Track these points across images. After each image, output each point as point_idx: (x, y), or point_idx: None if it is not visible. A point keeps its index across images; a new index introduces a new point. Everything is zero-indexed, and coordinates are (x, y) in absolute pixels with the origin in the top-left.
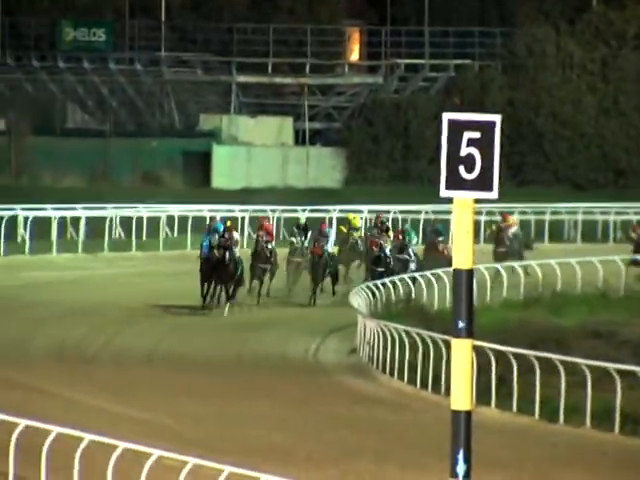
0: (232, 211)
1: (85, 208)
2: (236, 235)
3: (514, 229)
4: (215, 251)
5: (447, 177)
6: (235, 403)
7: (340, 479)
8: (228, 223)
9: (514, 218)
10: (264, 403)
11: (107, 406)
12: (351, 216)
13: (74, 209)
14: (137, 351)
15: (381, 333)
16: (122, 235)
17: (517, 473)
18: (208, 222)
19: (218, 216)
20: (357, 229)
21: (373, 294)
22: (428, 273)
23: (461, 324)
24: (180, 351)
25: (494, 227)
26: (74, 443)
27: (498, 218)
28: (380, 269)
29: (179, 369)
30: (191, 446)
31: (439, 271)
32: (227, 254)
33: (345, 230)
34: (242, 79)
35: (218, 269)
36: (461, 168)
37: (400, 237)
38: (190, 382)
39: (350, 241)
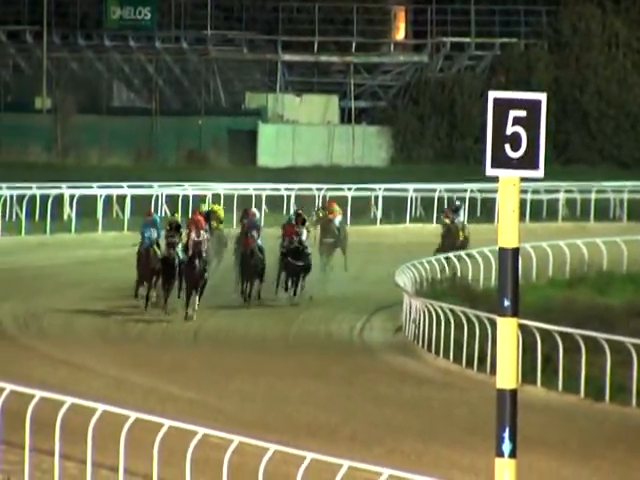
0: (277, 190)
1: (131, 186)
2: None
3: (339, 219)
4: (176, 250)
5: (492, 156)
6: (281, 382)
7: (385, 458)
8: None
9: (338, 208)
10: (310, 382)
11: (153, 384)
12: (216, 207)
13: (120, 187)
14: (182, 330)
15: (426, 312)
16: (168, 213)
17: (562, 452)
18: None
19: (264, 194)
20: (221, 221)
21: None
22: (474, 251)
23: (506, 302)
24: (226, 331)
25: (320, 214)
26: (119, 421)
27: (544, 197)
28: (300, 263)
29: (225, 349)
30: (236, 424)
31: (485, 249)
32: (196, 260)
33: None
34: (288, 57)
35: (186, 272)
36: (507, 147)
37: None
38: (236, 361)
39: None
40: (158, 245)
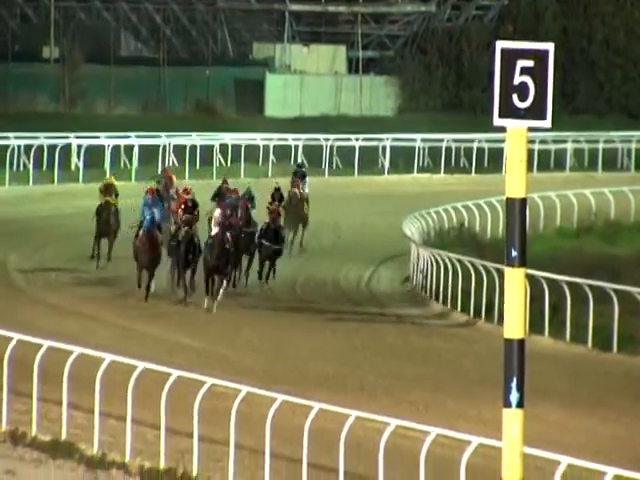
0: (285, 140)
1: (138, 136)
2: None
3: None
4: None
5: (500, 106)
6: (289, 334)
7: (393, 408)
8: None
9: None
10: (318, 334)
11: (162, 335)
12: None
13: (127, 137)
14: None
15: (434, 262)
16: (175, 163)
17: (570, 402)
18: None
19: (271, 145)
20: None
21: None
22: (482, 201)
23: (514, 253)
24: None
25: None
26: (127, 371)
27: (551, 147)
28: (277, 247)
29: (232, 303)
30: (246, 375)
31: (493, 200)
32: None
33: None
34: (295, 7)
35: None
36: (514, 97)
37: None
38: (244, 314)
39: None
40: (160, 228)
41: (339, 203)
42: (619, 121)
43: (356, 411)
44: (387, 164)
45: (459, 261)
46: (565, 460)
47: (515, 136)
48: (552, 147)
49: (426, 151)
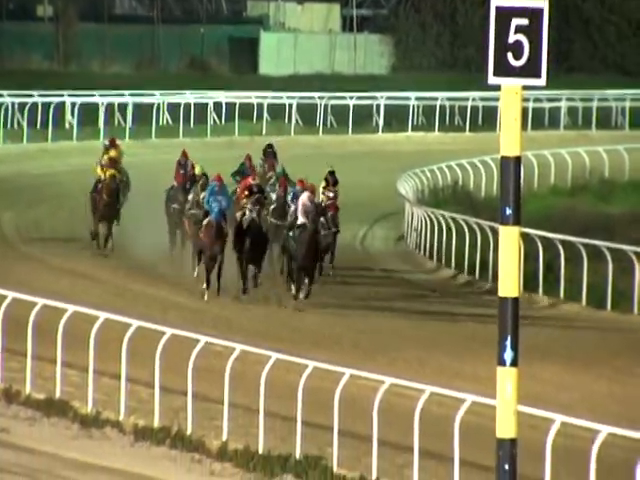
0: (279, 98)
1: (132, 95)
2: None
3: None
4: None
5: (495, 64)
6: (283, 292)
7: (388, 367)
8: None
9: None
10: (312, 293)
11: (157, 293)
12: None
13: (121, 95)
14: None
15: (428, 220)
16: (169, 122)
17: (564, 359)
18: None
19: (265, 103)
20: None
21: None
22: (476, 160)
23: (508, 211)
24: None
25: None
26: (122, 330)
27: (546, 105)
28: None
29: (228, 259)
30: (241, 334)
31: (487, 158)
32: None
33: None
34: None
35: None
36: (509, 55)
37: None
38: (237, 272)
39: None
40: (225, 218)
41: (333, 162)
42: (613, 79)
43: (350, 369)
44: (381, 123)
45: (453, 219)
46: (559, 418)
47: (509, 94)
48: (546, 105)
49: (420, 109)
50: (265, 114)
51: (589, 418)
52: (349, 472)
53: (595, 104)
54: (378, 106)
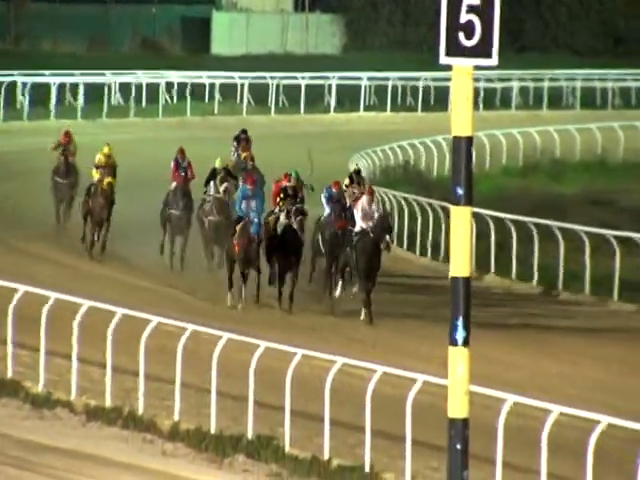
0: (231, 78)
1: (84, 74)
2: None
3: None
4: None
5: (447, 44)
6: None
7: (343, 347)
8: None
9: None
10: (264, 276)
11: (114, 275)
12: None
13: (72, 75)
14: (138, 220)
15: (380, 200)
16: (121, 101)
17: (516, 339)
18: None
19: (217, 83)
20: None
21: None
22: (428, 140)
23: (460, 191)
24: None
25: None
26: (74, 310)
27: (497, 85)
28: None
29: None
30: (195, 315)
31: (439, 138)
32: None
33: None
34: None
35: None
36: (461, 35)
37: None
38: (195, 254)
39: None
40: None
41: (285, 142)
42: (565, 59)
43: (302, 349)
44: (333, 102)
45: (405, 199)
46: (511, 398)
47: (461, 74)
48: (498, 85)
49: (372, 89)
50: (217, 94)
51: (540, 398)
52: (301, 452)
53: (546, 84)
54: (330, 86)
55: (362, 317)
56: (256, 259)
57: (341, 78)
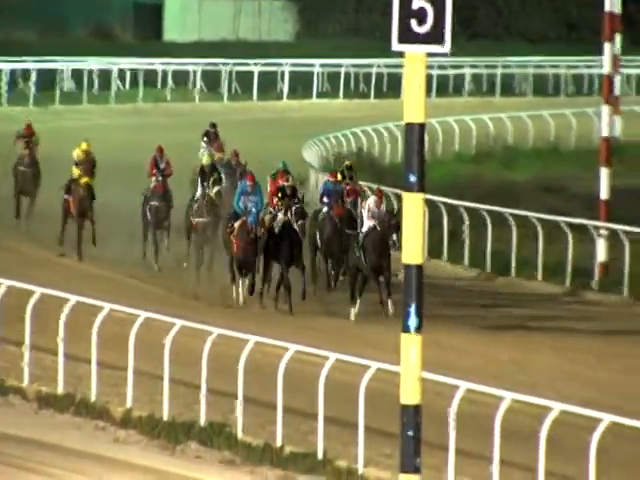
0: (184, 65)
1: (36, 61)
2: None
3: None
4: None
5: (399, 31)
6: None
7: (295, 335)
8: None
9: None
10: (219, 266)
11: (71, 264)
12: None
13: (24, 62)
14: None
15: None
16: (73, 88)
17: (468, 326)
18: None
19: (170, 70)
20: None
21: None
22: (380, 126)
23: (412, 178)
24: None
25: None
26: (26, 296)
27: (450, 72)
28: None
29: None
30: (152, 302)
31: (391, 125)
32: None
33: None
34: None
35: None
36: (413, 22)
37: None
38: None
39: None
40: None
41: (238, 128)
42: (517, 46)
43: (255, 336)
44: (286, 89)
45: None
46: (464, 385)
47: (414, 61)
48: (451, 72)
49: (325, 76)
50: (170, 81)
51: (492, 385)
52: (254, 439)
53: (499, 71)
54: (283, 73)
55: (390, 312)
56: (255, 260)
57: (294, 65)
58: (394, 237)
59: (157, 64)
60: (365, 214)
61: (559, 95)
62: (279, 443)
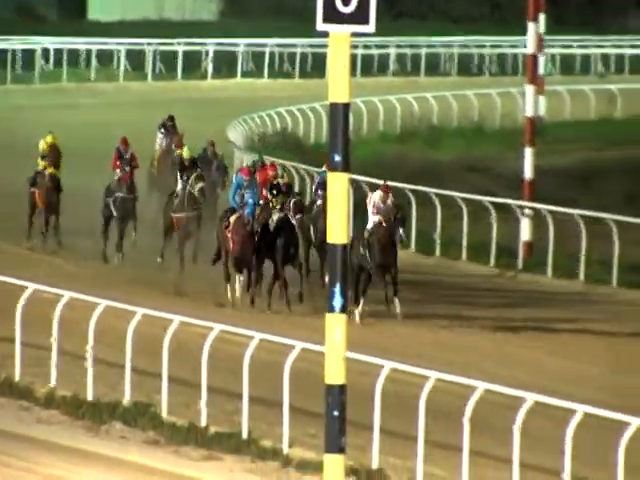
0: (107, 44)
1: None
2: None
3: None
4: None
5: (324, 11)
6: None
7: (219, 313)
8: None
9: None
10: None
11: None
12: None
13: None
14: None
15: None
16: None
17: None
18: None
19: (94, 49)
20: None
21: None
22: (305, 106)
23: (337, 158)
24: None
25: None
26: None
27: (374, 52)
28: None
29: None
30: (81, 282)
31: (316, 105)
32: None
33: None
34: None
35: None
36: (338, 2)
37: None
38: (72, 222)
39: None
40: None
41: (163, 108)
42: (441, 26)
43: (179, 316)
44: (210, 69)
45: (282, 166)
46: (388, 365)
47: (338, 41)
48: (375, 52)
49: (250, 56)
50: (93, 60)
51: (417, 365)
52: (178, 419)
53: (423, 51)
54: (207, 52)
55: (398, 312)
56: (252, 257)
57: (218, 44)
58: (401, 232)
59: (81, 43)
60: (370, 209)
61: (483, 75)
62: (204, 423)
